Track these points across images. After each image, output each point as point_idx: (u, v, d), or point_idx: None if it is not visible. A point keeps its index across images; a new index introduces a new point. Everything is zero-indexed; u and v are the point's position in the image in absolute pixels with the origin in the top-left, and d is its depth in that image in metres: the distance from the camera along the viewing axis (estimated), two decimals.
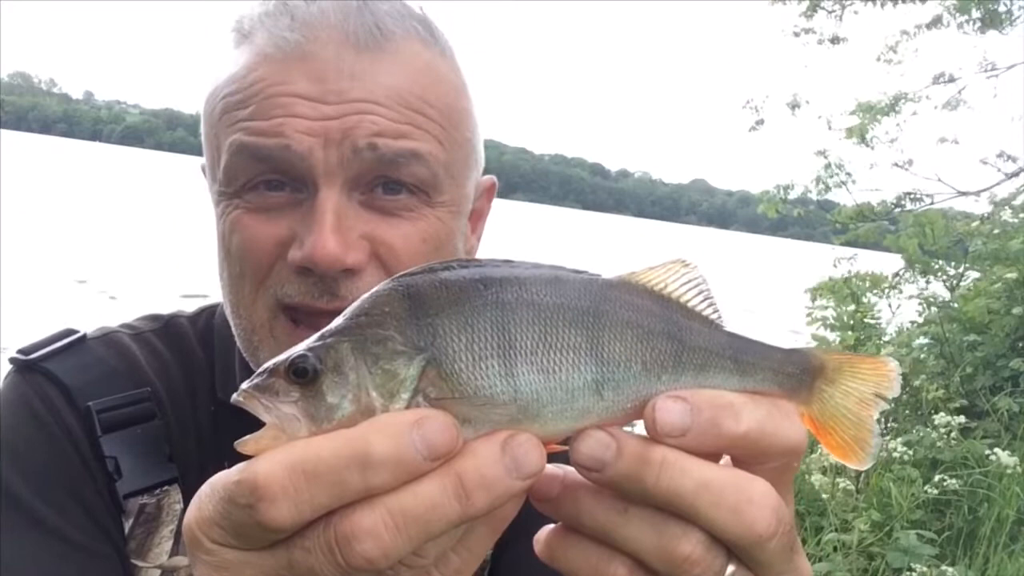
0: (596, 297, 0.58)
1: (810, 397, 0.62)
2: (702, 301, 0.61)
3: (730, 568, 0.58)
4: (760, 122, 10.07)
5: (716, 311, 0.62)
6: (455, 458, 0.53)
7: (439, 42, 1.05)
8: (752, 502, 0.56)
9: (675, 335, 0.59)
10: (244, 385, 0.56)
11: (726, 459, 0.60)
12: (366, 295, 0.57)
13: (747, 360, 0.60)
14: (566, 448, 0.58)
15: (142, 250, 18.75)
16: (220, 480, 0.54)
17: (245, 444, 0.54)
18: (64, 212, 25.14)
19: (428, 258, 0.97)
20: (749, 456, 0.59)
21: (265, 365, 0.56)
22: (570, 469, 0.59)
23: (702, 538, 0.56)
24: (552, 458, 0.56)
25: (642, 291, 0.60)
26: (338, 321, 0.57)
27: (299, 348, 0.55)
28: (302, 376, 0.54)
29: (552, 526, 0.62)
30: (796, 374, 0.62)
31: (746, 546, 0.57)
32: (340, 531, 0.51)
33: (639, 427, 0.58)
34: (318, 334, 0.56)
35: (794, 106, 9.65)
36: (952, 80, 9.76)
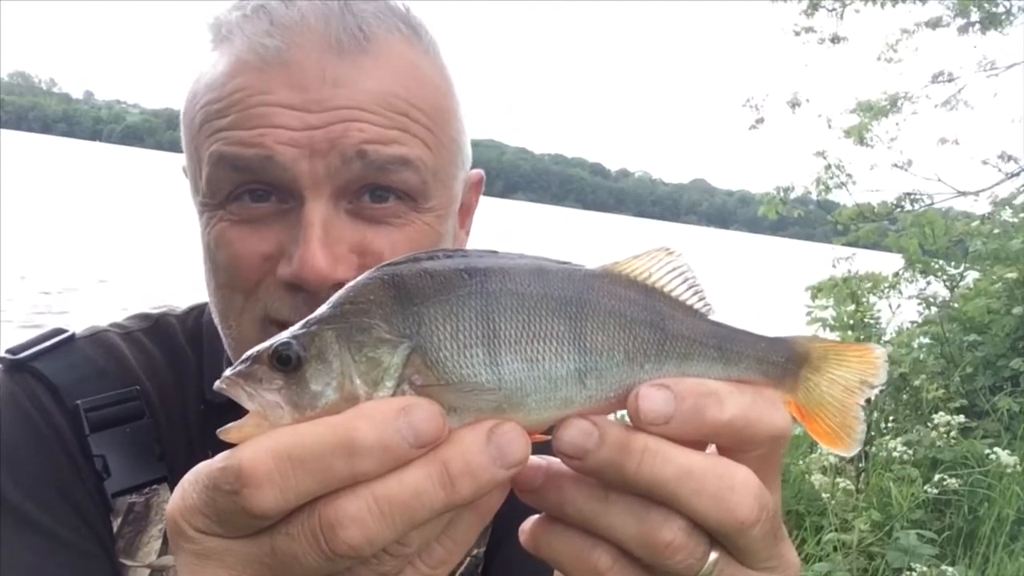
0: (579, 287, 0.58)
1: (795, 385, 0.63)
2: (687, 289, 0.61)
3: (713, 555, 0.58)
4: (760, 120, 10.06)
5: (702, 298, 0.62)
6: (440, 446, 0.53)
7: (423, 40, 1.02)
8: (734, 489, 0.56)
9: (658, 324, 0.59)
10: (227, 372, 0.56)
11: (712, 448, 0.60)
12: (351, 284, 0.57)
13: (731, 349, 0.60)
14: (549, 438, 0.58)
15: (140, 251, 18.76)
16: (204, 468, 0.54)
17: (228, 431, 0.54)
18: (64, 212, 25.13)
19: None
20: (733, 444, 0.59)
21: (248, 352, 0.56)
22: (553, 460, 0.60)
23: (684, 525, 0.57)
24: (535, 449, 0.56)
25: (625, 281, 0.60)
26: (323, 309, 0.57)
27: (283, 336, 0.55)
28: (286, 363, 0.54)
29: (536, 516, 0.62)
30: (781, 363, 0.62)
31: (728, 533, 0.57)
32: (324, 517, 0.51)
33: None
34: (302, 322, 0.56)
35: (794, 104, 9.64)
36: (951, 79, 9.76)
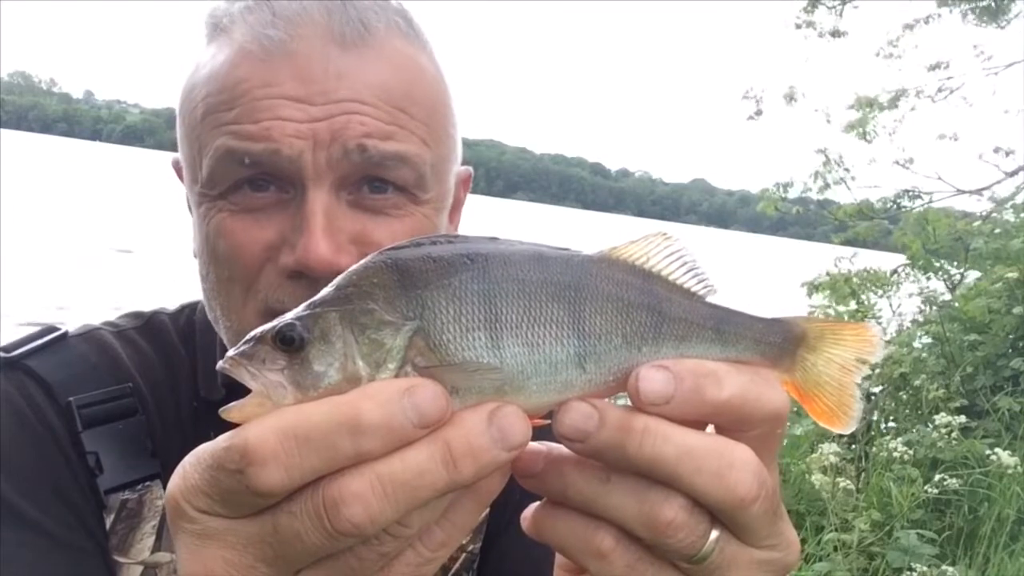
0: (577, 272, 0.59)
1: (793, 365, 0.63)
2: (686, 272, 0.62)
3: (714, 533, 0.59)
4: (759, 112, 10.05)
5: (702, 280, 0.62)
6: (443, 427, 0.53)
7: (419, 37, 1.05)
8: (733, 467, 0.57)
9: (655, 307, 0.60)
10: (230, 352, 0.56)
11: (711, 429, 0.61)
12: (354, 267, 0.58)
13: (729, 330, 0.61)
14: (549, 422, 0.59)
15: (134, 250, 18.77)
16: (207, 449, 0.54)
17: (230, 411, 0.55)
18: (64, 211, 25.16)
19: None
20: (732, 423, 0.59)
21: (252, 333, 0.57)
22: (554, 445, 0.60)
23: (684, 503, 0.57)
24: (534, 434, 0.57)
25: (623, 265, 0.61)
26: (326, 291, 0.57)
27: (287, 317, 0.56)
28: (289, 344, 0.55)
29: (538, 503, 0.63)
30: (778, 343, 0.62)
31: (729, 510, 0.58)
32: (328, 495, 0.52)
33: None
34: (305, 304, 0.57)
35: (790, 97, 9.63)
36: (948, 75, 9.76)
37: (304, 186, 0.94)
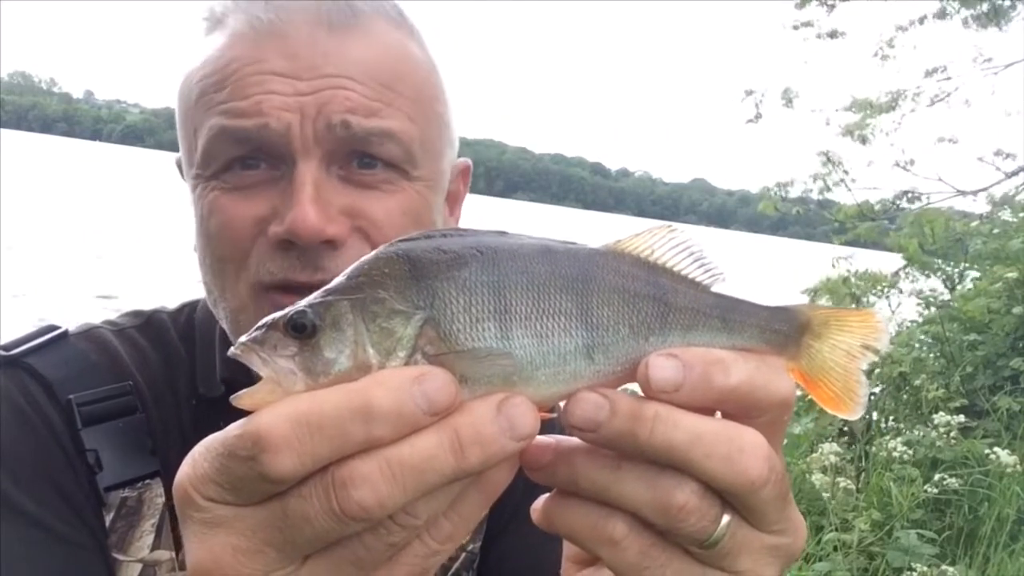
0: (584, 265, 0.60)
1: (798, 352, 0.64)
2: (692, 262, 0.63)
3: (725, 518, 0.59)
4: (758, 116, 10.05)
5: (708, 270, 0.63)
6: (452, 415, 0.54)
7: (407, 24, 1.07)
8: (744, 451, 0.57)
9: (661, 297, 0.60)
10: (243, 338, 0.57)
11: (718, 415, 0.61)
12: (366, 257, 0.58)
13: (735, 319, 0.62)
14: (554, 416, 0.59)
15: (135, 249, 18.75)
16: (217, 437, 0.54)
17: (241, 398, 0.55)
18: (65, 211, 25.14)
19: (409, 231, 0.94)
20: (740, 410, 0.60)
21: (264, 320, 0.57)
22: (561, 438, 0.61)
23: (696, 488, 0.58)
24: (542, 428, 0.57)
25: (628, 258, 0.62)
26: (338, 280, 0.58)
27: (299, 304, 0.56)
28: (300, 331, 0.55)
29: (547, 494, 0.63)
30: (784, 330, 0.63)
31: (740, 494, 0.58)
32: (338, 477, 0.52)
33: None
34: (318, 292, 0.57)
35: (789, 98, 9.63)
36: (947, 77, 9.75)
37: (294, 160, 0.96)
